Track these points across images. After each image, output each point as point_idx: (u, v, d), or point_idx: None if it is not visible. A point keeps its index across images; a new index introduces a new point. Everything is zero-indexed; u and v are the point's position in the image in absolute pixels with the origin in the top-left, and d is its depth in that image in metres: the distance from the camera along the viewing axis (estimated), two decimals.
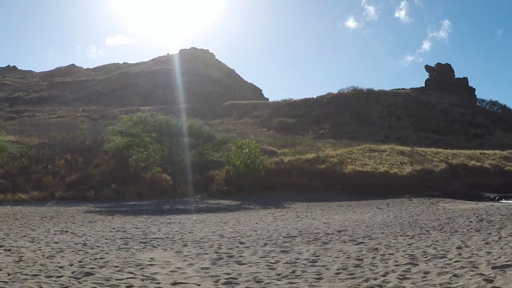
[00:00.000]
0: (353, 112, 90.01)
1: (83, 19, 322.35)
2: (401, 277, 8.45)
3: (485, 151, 62.12)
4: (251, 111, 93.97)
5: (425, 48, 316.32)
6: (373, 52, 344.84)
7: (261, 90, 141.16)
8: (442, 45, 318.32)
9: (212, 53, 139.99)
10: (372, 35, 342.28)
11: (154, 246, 13.45)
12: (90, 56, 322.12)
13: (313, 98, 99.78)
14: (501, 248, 11.39)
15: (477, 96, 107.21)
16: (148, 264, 10.40)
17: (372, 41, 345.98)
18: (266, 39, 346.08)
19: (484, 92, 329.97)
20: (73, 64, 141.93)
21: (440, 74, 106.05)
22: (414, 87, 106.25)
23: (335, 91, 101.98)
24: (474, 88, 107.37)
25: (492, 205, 31.31)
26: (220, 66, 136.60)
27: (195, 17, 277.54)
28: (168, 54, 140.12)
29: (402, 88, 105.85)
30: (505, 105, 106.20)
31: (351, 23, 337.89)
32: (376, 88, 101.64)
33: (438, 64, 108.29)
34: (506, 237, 13.40)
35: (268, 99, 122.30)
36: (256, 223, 21.12)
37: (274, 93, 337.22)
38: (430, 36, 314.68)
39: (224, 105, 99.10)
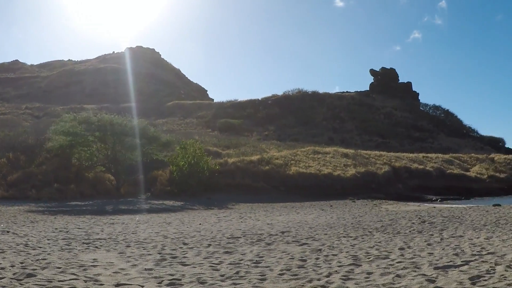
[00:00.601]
0: (297, 114, 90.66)
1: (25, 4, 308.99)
2: (344, 277, 8.54)
3: (427, 154, 63.57)
4: (196, 111, 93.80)
5: (417, 37, 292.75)
6: (358, 39, 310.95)
7: (206, 91, 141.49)
8: (436, 33, 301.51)
9: (158, 52, 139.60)
10: (362, 18, 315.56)
11: (97, 247, 13.26)
12: (31, 40, 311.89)
13: (258, 99, 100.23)
14: (443, 249, 11.64)
15: (421, 101, 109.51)
16: (91, 265, 10.24)
17: (359, 26, 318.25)
18: (214, 37, 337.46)
19: (431, 96, 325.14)
20: (17, 60, 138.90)
21: (385, 78, 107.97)
22: (358, 90, 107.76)
23: (290, 91, 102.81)
24: (418, 93, 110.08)
25: (434, 207, 31.90)
26: (165, 65, 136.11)
27: (141, 13, 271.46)
28: (114, 52, 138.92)
29: (347, 91, 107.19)
30: (448, 110, 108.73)
31: (339, 2, 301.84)
32: (320, 91, 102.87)
33: (383, 68, 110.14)
34: (447, 239, 13.70)
35: (213, 100, 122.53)
36: (200, 224, 21.04)
37: (219, 93, 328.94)
38: (421, 22, 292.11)
39: (168, 105, 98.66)
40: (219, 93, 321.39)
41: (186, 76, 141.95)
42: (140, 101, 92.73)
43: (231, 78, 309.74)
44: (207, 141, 57.65)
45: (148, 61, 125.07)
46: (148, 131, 41.93)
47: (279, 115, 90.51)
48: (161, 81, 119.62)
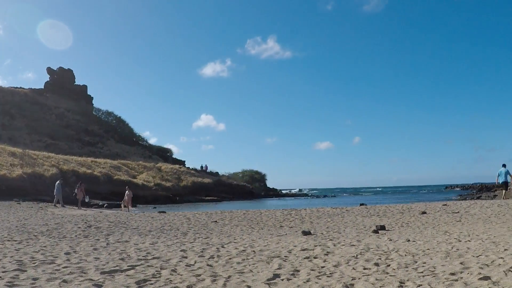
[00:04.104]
0: None
1: None
2: (9, 284, 8.31)
3: (96, 159, 64.19)
4: None
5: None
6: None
7: None
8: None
9: None
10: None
11: None
12: None
13: None
14: (109, 254, 11.93)
15: (94, 105, 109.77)
16: None
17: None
18: None
19: (103, 102, 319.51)
20: None
21: (61, 78, 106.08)
22: (33, 87, 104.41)
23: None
24: (92, 97, 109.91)
25: (101, 212, 32.44)
26: None
27: None
28: None
29: (21, 87, 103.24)
30: (120, 117, 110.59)
31: None
32: None
33: (60, 68, 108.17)
34: (113, 243, 14.09)
35: None
36: None
37: None
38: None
39: None
40: None
41: None
42: None
43: None
44: None
45: None
46: None
47: None
48: None
